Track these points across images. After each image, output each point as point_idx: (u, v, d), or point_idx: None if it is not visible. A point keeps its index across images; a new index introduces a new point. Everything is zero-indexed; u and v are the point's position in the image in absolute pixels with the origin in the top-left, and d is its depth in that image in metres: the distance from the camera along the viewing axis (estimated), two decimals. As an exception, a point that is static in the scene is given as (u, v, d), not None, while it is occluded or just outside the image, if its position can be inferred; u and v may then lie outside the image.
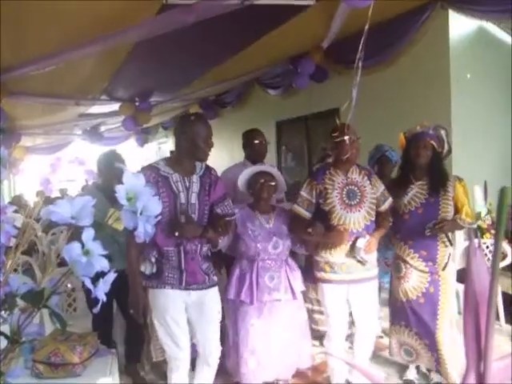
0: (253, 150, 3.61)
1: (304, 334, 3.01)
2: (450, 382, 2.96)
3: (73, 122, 7.89)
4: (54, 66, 3.62)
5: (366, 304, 2.90)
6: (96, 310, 0.77)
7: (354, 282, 2.84)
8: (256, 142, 3.61)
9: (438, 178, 2.95)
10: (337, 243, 2.78)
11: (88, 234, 0.71)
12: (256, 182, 2.86)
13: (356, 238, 2.77)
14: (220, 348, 2.60)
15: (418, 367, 3.24)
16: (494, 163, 4.93)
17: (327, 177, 2.87)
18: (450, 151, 3.06)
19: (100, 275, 0.77)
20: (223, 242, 2.77)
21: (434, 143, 2.93)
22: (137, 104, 6.73)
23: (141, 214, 0.74)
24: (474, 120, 4.64)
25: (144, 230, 0.75)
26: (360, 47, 2.32)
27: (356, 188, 2.86)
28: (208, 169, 2.58)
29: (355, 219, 2.81)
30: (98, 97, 6.32)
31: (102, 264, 0.72)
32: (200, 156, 2.46)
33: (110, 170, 3.17)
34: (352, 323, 3.13)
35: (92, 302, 0.84)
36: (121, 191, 0.75)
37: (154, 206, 0.76)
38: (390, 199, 2.97)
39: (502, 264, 4.09)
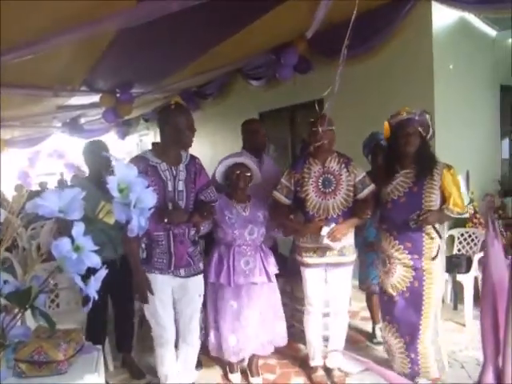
0: (253, 140, 3.65)
1: (278, 315, 3.22)
2: (431, 377, 2.93)
3: (51, 113, 7.70)
4: (31, 55, 3.51)
5: (340, 287, 3.11)
6: (87, 308, 0.73)
7: (330, 266, 3.05)
8: (256, 132, 3.66)
9: (426, 164, 2.86)
10: (313, 231, 2.95)
11: (78, 229, 0.67)
12: (233, 173, 3.03)
13: (321, 227, 2.90)
14: (198, 328, 2.86)
15: None
16: (477, 152, 4.99)
17: (306, 166, 3.02)
18: (433, 135, 2.96)
19: (90, 271, 0.73)
20: (205, 228, 2.97)
21: (420, 129, 2.84)
22: (118, 95, 6.57)
23: (134, 206, 0.70)
24: (457, 109, 4.67)
25: (138, 224, 0.71)
26: (347, 36, 2.29)
27: (332, 176, 2.98)
28: (193, 158, 2.73)
29: (330, 206, 2.95)
30: (77, 88, 6.14)
31: (94, 260, 0.67)
32: (185, 142, 2.61)
33: (97, 159, 3.16)
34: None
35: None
36: (112, 182, 0.70)
37: (147, 197, 0.72)
38: (371, 187, 3.00)
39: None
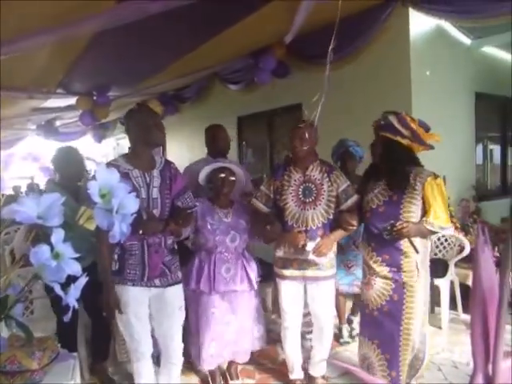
0: (215, 145, 3.60)
1: (257, 319, 3.16)
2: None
3: (26, 116, 7.56)
4: (5, 55, 3.42)
5: (322, 302, 2.96)
6: (67, 317, 0.70)
7: (308, 280, 2.90)
8: (218, 137, 3.61)
9: (400, 173, 2.65)
10: (292, 244, 2.81)
11: (58, 236, 0.64)
12: (216, 178, 2.94)
13: (305, 241, 2.75)
14: (182, 345, 2.66)
15: None
16: (453, 157, 5.07)
17: (286, 173, 2.90)
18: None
19: (70, 279, 0.70)
20: (186, 232, 2.86)
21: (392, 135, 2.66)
22: (94, 98, 6.51)
23: (116, 212, 0.68)
24: (434, 115, 4.74)
25: (120, 230, 0.69)
26: (332, 39, 2.30)
27: (313, 185, 2.83)
28: (167, 163, 2.60)
29: (310, 217, 2.80)
30: (53, 90, 6.05)
31: (74, 268, 0.65)
32: (155, 139, 2.47)
33: (69, 165, 3.10)
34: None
35: (58, 305, 0.76)
36: (93, 187, 0.68)
37: (130, 203, 0.70)
38: (355, 197, 2.82)
39: (460, 256, 4.22)
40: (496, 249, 4.33)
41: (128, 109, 2.57)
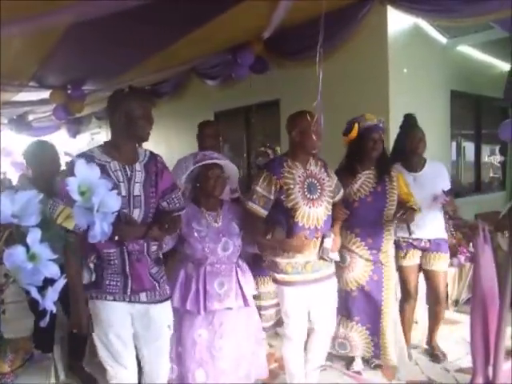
0: (206, 141, 3.58)
1: (258, 342, 2.75)
2: (390, 363, 3.09)
3: (-4, 109, 7.35)
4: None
5: (327, 302, 2.77)
6: (44, 322, 0.66)
7: (317, 281, 2.68)
8: (209, 133, 3.61)
9: (385, 167, 3.06)
10: (297, 251, 2.58)
11: (34, 236, 0.60)
12: (206, 176, 2.52)
13: (323, 238, 2.65)
14: (168, 367, 2.36)
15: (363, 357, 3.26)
16: (429, 154, 5.12)
17: (286, 170, 2.63)
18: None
19: (47, 280, 0.66)
20: (168, 245, 2.47)
21: (382, 136, 3.03)
22: (69, 92, 6.36)
23: (97, 210, 0.64)
24: (411, 112, 4.79)
25: (101, 229, 0.65)
26: (320, 34, 2.30)
27: (315, 181, 2.68)
28: (153, 156, 2.25)
29: (318, 215, 2.64)
30: (25, 83, 5.89)
31: (52, 270, 0.61)
32: (140, 134, 2.11)
33: (43, 161, 2.99)
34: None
35: (35, 306, 0.72)
36: (72, 184, 0.64)
37: (111, 201, 0.66)
38: (342, 190, 2.93)
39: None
40: (471, 244, 4.43)
41: (113, 93, 2.18)
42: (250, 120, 6.75)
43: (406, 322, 3.34)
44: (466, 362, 3.29)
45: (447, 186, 3.27)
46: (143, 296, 2.16)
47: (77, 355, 3.31)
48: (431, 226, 3.26)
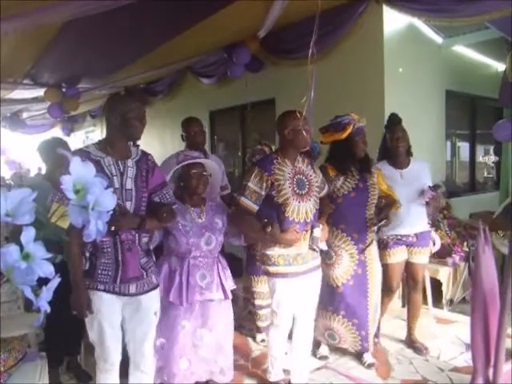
0: (192, 138, 3.60)
1: (231, 338, 2.90)
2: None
3: (-10, 107, 7.31)
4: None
5: (313, 292, 2.90)
6: (38, 322, 0.65)
7: (305, 273, 2.79)
8: (195, 130, 3.61)
9: (367, 165, 3.20)
10: (290, 244, 2.70)
11: (28, 235, 0.59)
12: (189, 175, 2.68)
13: (311, 228, 2.76)
14: (152, 351, 2.46)
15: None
16: (424, 154, 5.14)
17: (276, 167, 2.74)
18: None
19: (41, 280, 0.65)
20: (156, 240, 2.62)
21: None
22: (64, 90, 6.35)
23: (92, 209, 0.63)
24: (406, 112, 4.80)
25: (96, 228, 0.64)
26: (314, 33, 2.30)
27: (303, 177, 2.80)
28: (144, 154, 2.41)
29: (307, 209, 2.76)
30: (20, 81, 5.87)
31: (46, 269, 0.60)
32: (133, 134, 2.30)
33: (53, 157, 3.00)
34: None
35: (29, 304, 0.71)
36: (67, 183, 0.63)
37: (107, 199, 0.65)
38: (327, 186, 3.04)
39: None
40: (465, 244, 4.44)
41: (111, 95, 2.39)
42: (245, 118, 6.74)
43: (383, 311, 3.51)
44: (461, 361, 3.30)
45: (429, 182, 3.46)
46: (133, 287, 2.31)
47: (70, 351, 3.29)
48: (417, 220, 3.42)
